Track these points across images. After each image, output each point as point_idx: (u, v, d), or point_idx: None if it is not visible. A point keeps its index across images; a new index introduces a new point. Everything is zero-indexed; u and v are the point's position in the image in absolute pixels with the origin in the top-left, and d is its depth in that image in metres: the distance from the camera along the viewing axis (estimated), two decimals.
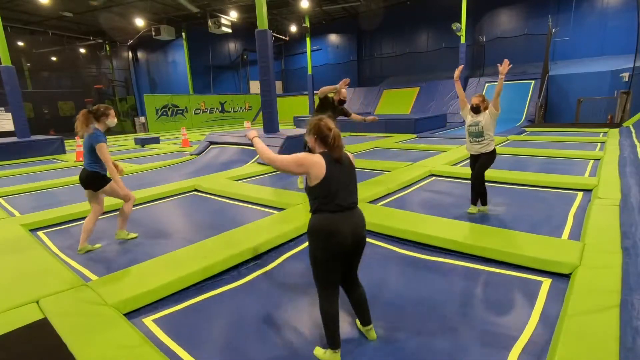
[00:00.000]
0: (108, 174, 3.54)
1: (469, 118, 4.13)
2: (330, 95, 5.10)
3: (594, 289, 2.37)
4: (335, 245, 1.94)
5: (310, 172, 1.96)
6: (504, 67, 3.74)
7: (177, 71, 24.36)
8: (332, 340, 2.00)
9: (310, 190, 2.01)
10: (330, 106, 5.06)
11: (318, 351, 2.08)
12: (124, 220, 3.78)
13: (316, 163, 1.95)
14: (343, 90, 5.11)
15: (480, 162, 4.13)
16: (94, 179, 3.49)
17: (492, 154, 4.12)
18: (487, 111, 4.00)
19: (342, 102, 5.16)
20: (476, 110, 4.03)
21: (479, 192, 4.19)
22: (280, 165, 2.02)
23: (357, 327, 2.28)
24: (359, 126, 13.72)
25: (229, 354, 2.12)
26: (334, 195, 1.96)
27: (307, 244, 3.51)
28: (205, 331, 2.35)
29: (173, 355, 2.11)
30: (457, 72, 4.26)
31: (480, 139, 4.05)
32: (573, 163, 6.87)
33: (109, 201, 5.09)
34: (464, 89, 17.57)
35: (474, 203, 4.25)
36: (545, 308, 2.42)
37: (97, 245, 3.72)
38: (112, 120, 3.54)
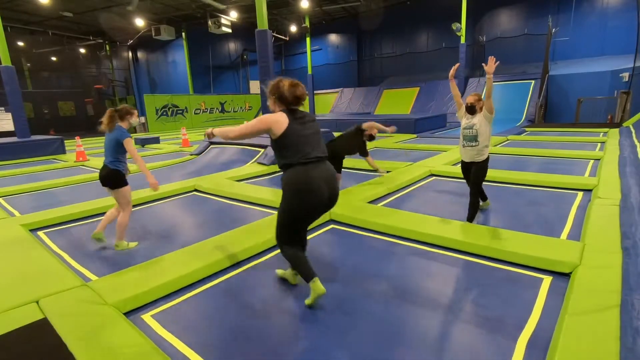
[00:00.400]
0: (132, 171, 3.66)
1: (464, 120, 3.91)
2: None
3: (594, 288, 2.38)
4: (313, 198, 2.06)
5: (272, 128, 2.07)
6: (490, 65, 3.45)
7: (177, 71, 24.36)
8: (307, 273, 2.17)
9: (275, 144, 2.12)
10: (359, 138, 5.23)
11: (307, 301, 2.27)
12: (121, 232, 3.69)
13: (277, 120, 2.07)
14: (375, 130, 5.22)
15: (474, 174, 3.87)
16: (115, 177, 3.55)
17: (485, 164, 3.86)
18: (482, 113, 3.76)
19: (371, 138, 5.28)
20: (471, 110, 3.80)
21: (476, 210, 3.90)
22: (246, 131, 2.15)
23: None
24: None
25: (229, 345, 2.12)
26: (297, 147, 2.07)
27: (310, 236, 3.47)
28: (205, 324, 2.36)
29: (173, 350, 2.12)
30: (452, 71, 3.92)
31: (474, 144, 3.81)
32: (573, 163, 6.87)
33: (112, 200, 5.10)
34: (464, 90, 17.58)
35: (470, 220, 3.83)
36: (547, 303, 2.44)
37: (104, 240, 3.77)
38: (135, 120, 3.72)
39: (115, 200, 3.70)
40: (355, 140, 5.25)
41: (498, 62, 3.47)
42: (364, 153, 5.47)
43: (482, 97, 3.83)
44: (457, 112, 4.09)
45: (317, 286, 2.14)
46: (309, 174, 2.03)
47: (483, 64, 3.61)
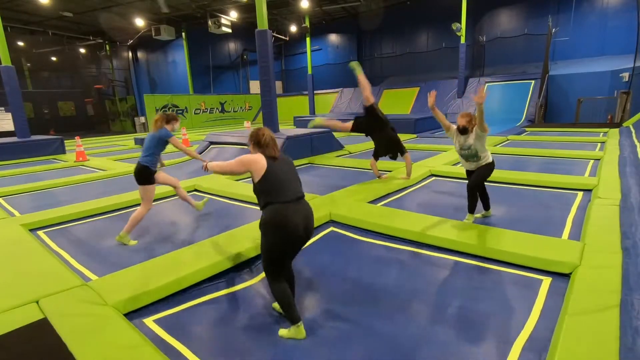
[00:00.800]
0: (161, 166, 4.14)
1: (457, 142, 3.87)
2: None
3: (594, 288, 2.38)
4: (289, 234, 2.15)
5: (252, 168, 2.23)
6: (481, 96, 3.35)
7: (177, 71, 24.34)
8: (292, 316, 2.19)
9: (256, 187, 2.26)
10: (390, 148, 5.81)
11: (282, 332, 2.24)
12: (132, 225, 3.80)
13: (256, 161, 2.23)
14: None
15: (478, 172, 3.87)
16: (143, 172, 3.78)
17: (491, 165, 3.89)
18: (474, 132, 3.70)
19: (393, 158, 5.90)
20: (464, 131, 3.75)
21: (476, 200, 3.96)
22: (229, 169, 2.36)
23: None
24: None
25: (232, 352, 2.12)
26: (278, 188, 2.20)
27: (309, 242, 3.50)
28: (207, 330, 2.35)
29: (175, 353, 2.12)
30: (430, 100, 3.90)
31: (475, 159, 3.84)
32: (573, 163, 6.87)
33: (112, 200, 5.10)
34: (464, 89, 17.60)
35: (471, 212, 3.97)
36: (546, 305, 2.43)
37: (203, 199, 4.56)
38: (178, 126, 4.12)
39: (140, 196, 3.90)
40: (388, 144, 5.75)
41: (488, 92, 3.42)
42: (376, 157, 5.90)
43: (471, 113, 3.82)
44: (445, 132, 4.02)
45: (300, 331, 2.19)
46: (286, 214, 2.15)
47: (472, 95, 3.55)
